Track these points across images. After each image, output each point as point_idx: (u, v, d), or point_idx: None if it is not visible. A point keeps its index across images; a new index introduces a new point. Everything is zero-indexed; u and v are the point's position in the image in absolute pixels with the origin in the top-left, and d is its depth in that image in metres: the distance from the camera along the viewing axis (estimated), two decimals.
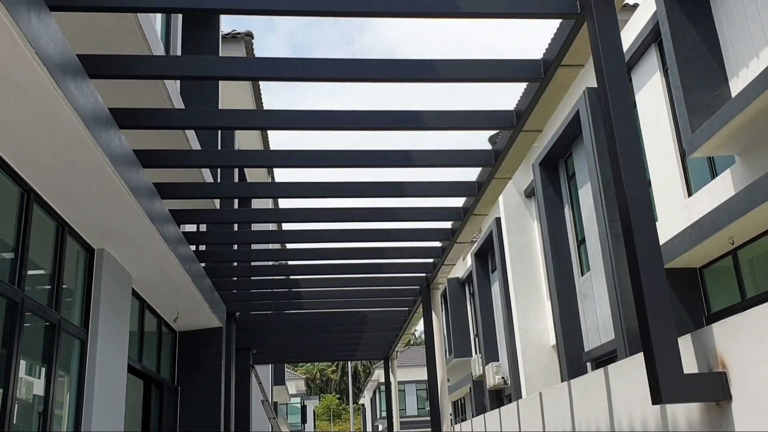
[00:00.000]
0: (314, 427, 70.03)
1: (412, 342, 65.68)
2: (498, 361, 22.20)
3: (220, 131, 9.57)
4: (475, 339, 26.26)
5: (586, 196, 15.26)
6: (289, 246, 16.73)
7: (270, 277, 10.37)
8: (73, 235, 5.99)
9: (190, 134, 6.83)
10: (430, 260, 9.94)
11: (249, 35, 12.54)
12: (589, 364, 15.33)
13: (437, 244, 9.32)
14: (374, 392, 64.99)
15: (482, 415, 8.41)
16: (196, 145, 7.05)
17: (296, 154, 6.46)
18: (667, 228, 11.72)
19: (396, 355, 17.31)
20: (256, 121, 6.05)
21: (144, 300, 8.36)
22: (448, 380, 40.09)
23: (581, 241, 15.95)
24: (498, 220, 20.34)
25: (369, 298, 11.88)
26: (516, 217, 19.13)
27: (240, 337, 13.77)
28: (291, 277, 10.54)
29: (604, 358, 14.40)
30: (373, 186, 7.11)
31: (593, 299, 15.11)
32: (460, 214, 7.90)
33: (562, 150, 16.34)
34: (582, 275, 15.89)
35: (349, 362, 62.31)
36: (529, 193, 19.06)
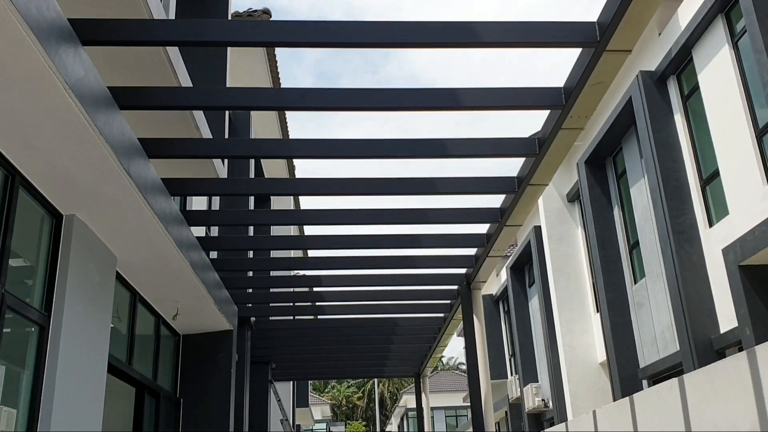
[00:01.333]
0: None
1: (440, 368, 63.87)
2: (537, 382, 20.56)
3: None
4: (510, 359, 24.61)
5: (640, 194, 13.76)
6: (308, 230, 15.40)
7: (288, 272, 9.04)
8: (29, 189, 4.72)
9: (178, 63, 5.52)
10: (472, 251, 8.54)
11: (267, 13, 11.33)
12: (645, 382, 13.71)
13: (482, 229, 7.92)
14: (402, 419, 63.09)
15: None
16: (186, 80, 5.77)
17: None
18: (741, 222, 10.21)
19: (428, 373, 15.82)
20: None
21: (136, 291, 7.06)
22: None
23: (633, 246, 14.41)
24: (537, 229, 18.88)
25: (399, 302, 10.47)
26: (558, 224, 17.64)
27: (257, 348, 12.44)
28: (312, 273, 9.22)
29: (665, 374, 12.79)
30: (413, 144, 5.78)
31: (649, 309, 13.54)
32: (514, 185, 6.50)
33: (610, 146, 14.88)
34: (635, 283, 14.33)
35: (375, 388, 60.60)
36: (572, 197, 17.57)
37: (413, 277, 9.33)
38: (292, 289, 10.02)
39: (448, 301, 10.65)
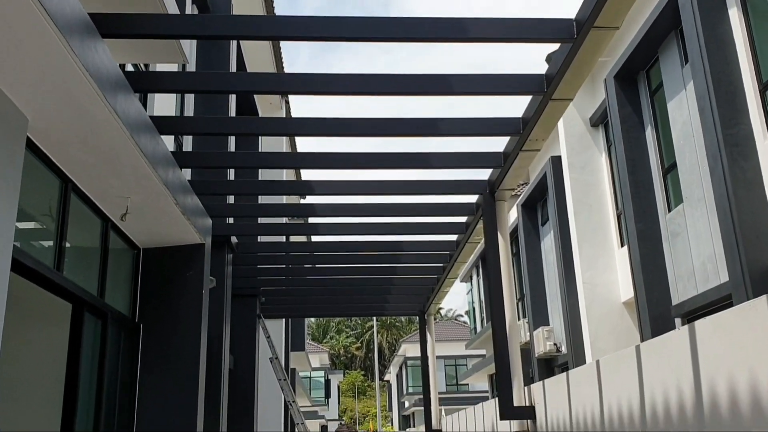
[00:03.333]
0: (338, 403, 67.78)
1: (437, 319, 62.97)
2: (549, 325, 19.15)
3: None
4: (518, 302, 23.20)
5: (679, 108, 12.06)
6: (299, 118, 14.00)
7: (279, 171, 7.41)
8: None
9: None
10: (502, 144, 6.89)
11: None
12: (678, 320, 12.22)
13: (516, 112, 6.26)
14: (400, 368, 62.49)
15: (597, 363, 5.26)
16: None
17: None
18: None
19: (433, 310, 14.30)
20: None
21: (68, 179, 5.42)
22: (485, 355, 36.81)
23: (669, 169, 12.77)
24: (555, 159, 17.18)
25: (406, 218, 8.84)
26: (580, 151, 15.95)
27: (243, 277, 10.91)
28: (304, 176, 7.58)
29: (704, 310, 11.28)
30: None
31: (686, 238, 11.96)
32: (571, 30, 4.80)
33: (644, 57, 13.11)
34: (669, 211, 12.73)
35: (374, 337, 59.69)
36: (596, 121, 15.86)
37: (424, 184, 7.72)
38: (283, 198, 8.46)
39: (464, 219, 9.05)
